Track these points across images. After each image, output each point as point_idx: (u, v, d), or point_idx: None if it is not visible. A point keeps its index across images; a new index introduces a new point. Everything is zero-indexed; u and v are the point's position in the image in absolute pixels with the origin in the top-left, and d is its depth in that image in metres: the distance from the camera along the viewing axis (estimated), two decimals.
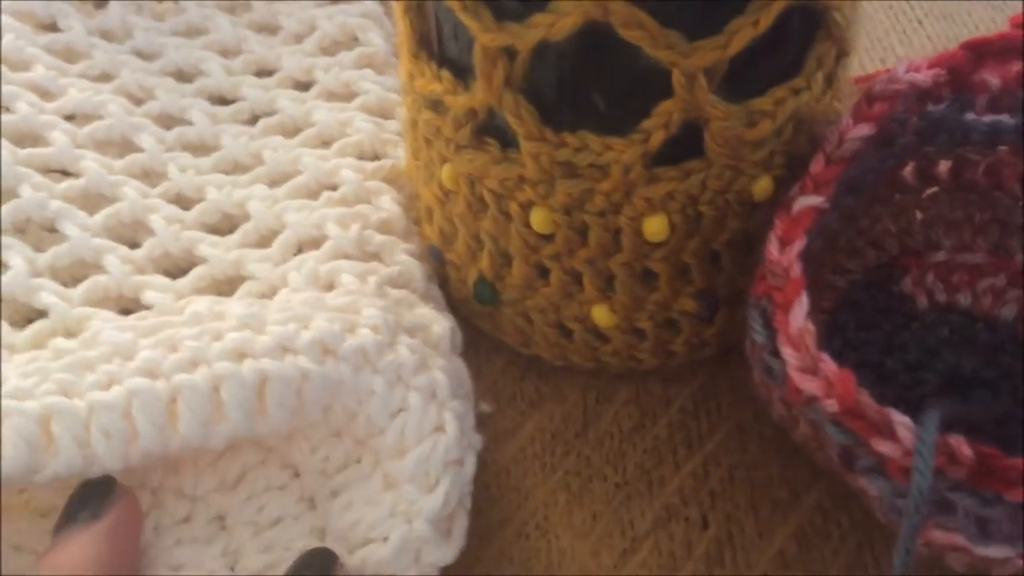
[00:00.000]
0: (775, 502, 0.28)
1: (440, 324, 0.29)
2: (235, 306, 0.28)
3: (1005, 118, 0.27)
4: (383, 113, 0.35)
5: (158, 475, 0.27)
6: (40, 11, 0.39)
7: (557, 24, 0.23)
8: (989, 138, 0.27)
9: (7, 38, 0.37)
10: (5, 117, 0.34)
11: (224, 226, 0.32)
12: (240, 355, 0.25)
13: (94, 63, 0.37)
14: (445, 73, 0.27)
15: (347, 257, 0.30)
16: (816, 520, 0.28)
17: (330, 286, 0.29)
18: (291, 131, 0.35)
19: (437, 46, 0.27)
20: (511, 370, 0.31)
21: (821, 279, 0.29)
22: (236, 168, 0.34)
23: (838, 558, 0.27)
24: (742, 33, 0.24)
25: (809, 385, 0.23)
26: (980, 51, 0.26)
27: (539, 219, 0.27)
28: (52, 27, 0.39)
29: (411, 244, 0.31)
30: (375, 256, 0.31)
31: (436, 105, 0.27)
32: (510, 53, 0.24)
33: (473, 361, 0.31)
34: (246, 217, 0.32)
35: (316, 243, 0.31)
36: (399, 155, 0.33)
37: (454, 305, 0.32)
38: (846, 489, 0.25)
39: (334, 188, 0.33)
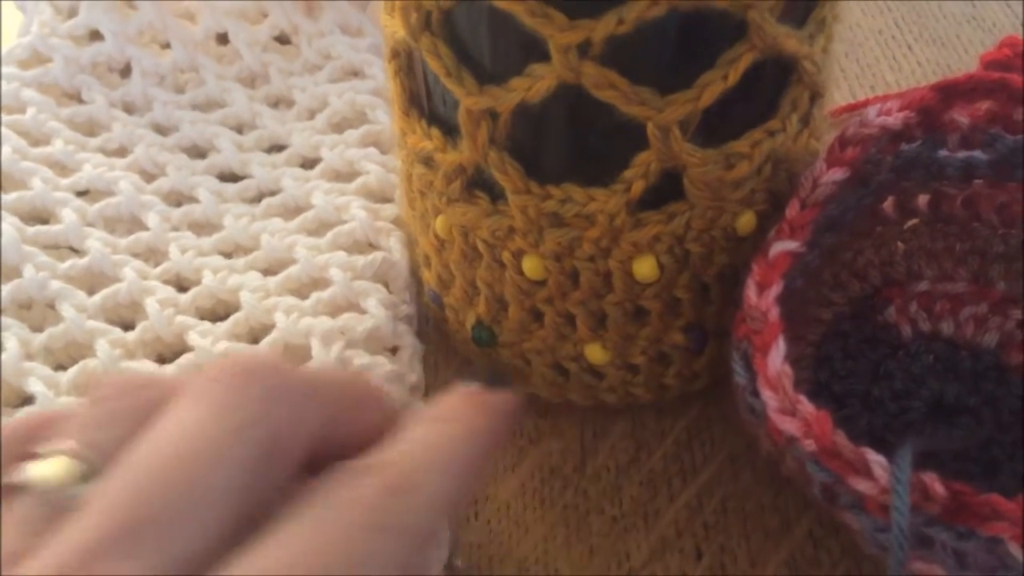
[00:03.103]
0: (767, 531, 0.29)
1: None
2: None
3: (977, 154, 0.28)
4: (383, 194, 0.36)
5: None
6: (64, 83, 0.40)
7: (534, 87, 0.24)
8: (963, 173, 0.28)
9: (30, 112, 0.39)
10: (20, 194, 0.36)
11: (219, 311, 0.34)
12: None
13: (112, 136, 0.39)
14: (435, 131, 0.28)
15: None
16: (807, 548, 0.29)
17: None
18: (292, 212, 0.36)
19: (427, 104, 0.28)
20: None
21: (806, 312, 0.30)
22: (236, 249, 0.36)
23: None
24: (713, 87, 0.25)
25: (788, 426, 0.24)
26: (948, 92, 0.26)
27: (531, 266, 0.28)
28: (76, 98, 0.40)
29: (389, 353, 0.32)
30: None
31: (427, 161, 0.28)
32: (493, 114, 0.26)
33: None
34: (238, 306, 0.33)
35: (301, 351, 0.31)
36: (391, 245, 0.34)
37: (454, 346, 0.33)
38: (835, 518, 0.26)
39: (324, 285, 0.33)
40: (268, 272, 0.34)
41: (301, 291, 0.34)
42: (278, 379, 0.21)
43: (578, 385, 0.31)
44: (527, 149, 0.26)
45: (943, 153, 0.28)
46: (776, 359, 0.24)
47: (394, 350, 0.32)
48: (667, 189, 0.26)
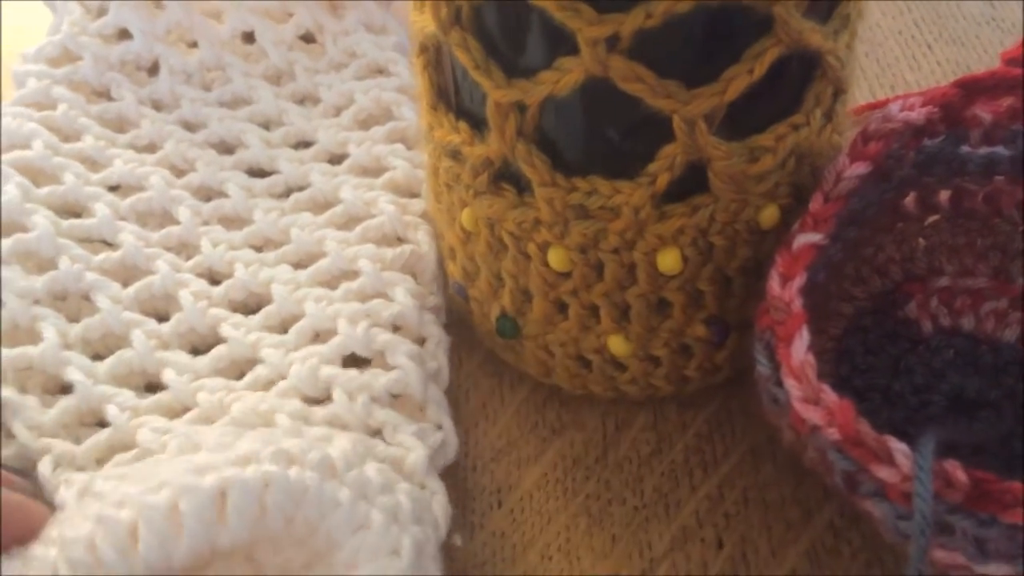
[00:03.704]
0: (787, 522, 0.29)
1: (416, 453, 0.29)
2: (211, 437, 0.28)
3: (999, 150, 0.28)
4: (409, 189, 0.37)
5: None
6: (94, 81, 0.41)
7: (562, 80, 0.25)
8: (985, 169, 0.28)
9: (60, 108, 0.39)
10: (52, 188, 0.36)
11: (250, 303, 0.34)
12: (203, 471, 0.25)
13: (141, 133, 0.39)
14: (462, 124, 0.28)
15: (352, 355, 0.32)
16: (827, 539, 0.29)
17: (325, 391, 0.31)
18: (321, 206, 0.37)
19: (454, 99, 0.29)
20: (534, 399, 0.33)
21: (828, 307, 0.31)
22: (266, 243, 0.36)
23: (849, 575, 0.28)
24: (738, 80, 0.25)
25: (811, 415, 0.24)
26: (971, 88, 0.27)
27: (556, 258, 0.29)
28: (105, 95, 0.41)
29: (416, 340, 0.32)
30: (379, 354, 0.32)
31: (455, 154, 0.29)
32: (521, 107, 0.26)
33: (497, 391, 0.33)
34: (269, 299, 0.34)
35: (330, 334, 0.32)
36: (419, 239, 0.35)
37: (479, 338, 0.33)
38: (855, 508, 0.26)
39: (354, 276, 0.34)
40: (299, 265, 0.35)
41: (331, 283, 0.34)
42: None
43: (600, 377, 0.31)
44: (554, 142, 0.27)
45: (965, 149, 0.28)
46: (800, 348, 0.24)
47: (421, 341, 0.33)
48: (692, 182, 0.27)
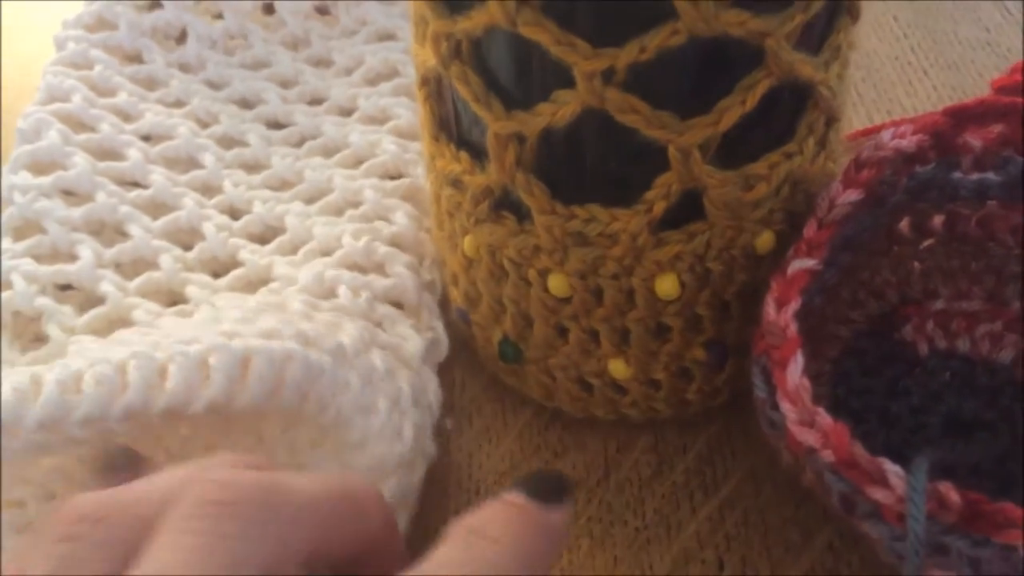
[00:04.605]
0: (788, 543, 0.30)
1: (413, 342, 0.32)
2: (234, 312, 0.31)
3: (991, 175, 0.28)
4: (412, 135, 0.40)
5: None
6: (127, 45, 0.45)
7: (559, 112, 0.25)
8: (977, 194, 0.29)
9: (97, 69, 0.43)
10: (89, 136, 0.40)
11: (267, 235, 0.37)
12: (231, 336, 0.28)
13: (170, 91, 0.43)
14: (463, 154, 0.29)
15: (355, 264, 0.35)
16: (827, 560, 0.29)
17: (331, 291, 0.33)
18: (331, 151, 0.40)
19: (456, 129, 0.30)
20: (536, 422, 0.33)
21: (825, 330, 0.31)
22: (282, 185, 0.39)
23: None
24: (731, 111, 0.26)
25: (807, 437, 0.25)
26: (960, 117, 0.27)
27: (556, 284, 0.29)
28: (137, 59, 0.45)
29: (413, 256, 0.35)
30: (379, 265, 0.35)
31: (456, 183, 0.30)
32: (520, 138, 0.27)
33: (499, 414, 0.34)
34: (283, 230, 0.37)
35: (334, 250, 0.35)
36: (418, 173, 0.38)
37: (481, 362, 0.34)
38: (854, 530, 0.27)
39: (358, 205, 0.37)
40: (310, 202, 0.38)
41: (338, 212, 0.37)
42: (259, 510, 0.20)
43: (602, 400, 0.32)
44: (552, 171, 0.27)
45: (957, 175, 0.29)
46: (795, 373, 0.25)
47: (418, 257, 0.35)
48: (688, 209, 0.27)
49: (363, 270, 0.35)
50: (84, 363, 0.27)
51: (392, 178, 0.38)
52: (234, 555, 0.19)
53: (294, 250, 0.36)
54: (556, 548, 0.22)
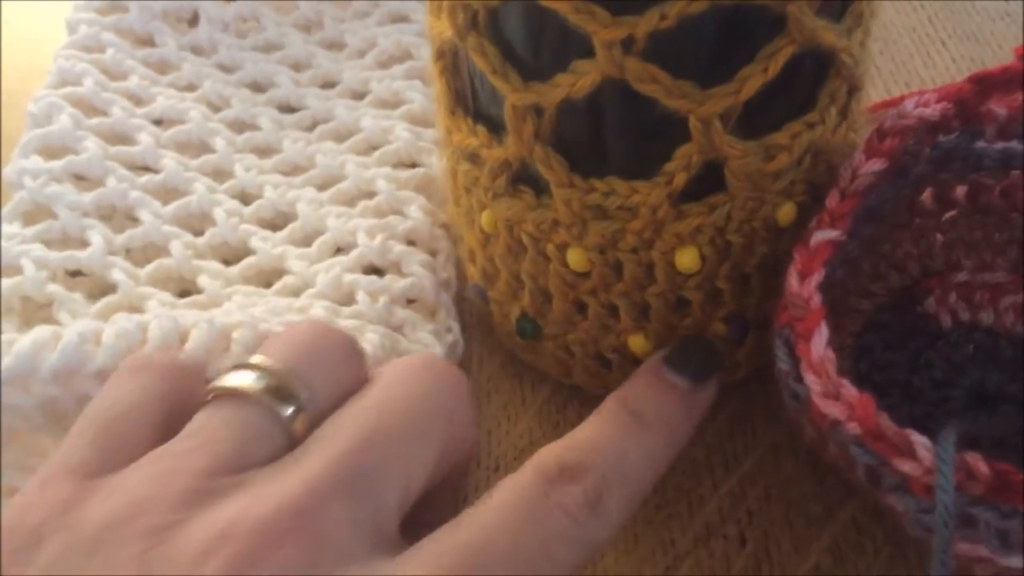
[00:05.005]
0: (810, 518, 0.29)
1: (433, 348, 0.32)
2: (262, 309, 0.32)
3: (1015, 144, 0.28)
4: (425, 121, 0.40)
5: None
6: (139, 28, 0.44)
7: (578, 83, 0.25)
8: (1001, 164, 0.28)
9: (109, 52, 0.42)
10: (100, 120, 0.40)
11: (278, 222, 0.37)
12: (258, 320, 0.29)
13: (182, 74, 0.43)
14: (480, 128, 0.29)
15: (370, 264, 0.35)
16: (850, 534, 0.29)
17: (349, 295, 0.33)
18: (343, 136, 0.40)
19: (472, 103, 0.29)
20: (555, 399, 0.33)
21: (847, 304, 0.31)
22: (294, 170, 0.39)
23: (872, 571, 0.28)
24: (753, 80, 0.25)
25: (832, 410, 0.24)
26: (985, 84, 0.27)
27: (575, 258, 0.29)
28: (149, 42, 0.44)
29: (428, 252, 0.35)
30: (395, 264, 0.35)
31: (473, 157, 0.29)
32: (538, 110, 0.26)
33: (518, 391, 0.33)
34: (295, 216, 0.37)
35: (349, 247, 0.35)
36: (432, 163, 0.38)
37: (499, 340, 0.34)
38: (878, 504, 0.27)
39: (371, 195, 0.37)
40: (322, 187, 0.38)
41: (351, 202, 0.37)
42: (455, 385, 0.25)
43: (621, 376, 0.31)
44: (571, 143, 0.27)
45: (980, 144, 0.28)
46: (819, 344, 0.25)
47: (433, 254, 0.35)
48: (708, 181, 0.27)
49: (379, 270, 0.35)
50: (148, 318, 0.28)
51: (406, 166, 0.38)
52: (443, 407, 0.24)
53: (307, 241, 0.36)
54: (696, 426, 0.25)
